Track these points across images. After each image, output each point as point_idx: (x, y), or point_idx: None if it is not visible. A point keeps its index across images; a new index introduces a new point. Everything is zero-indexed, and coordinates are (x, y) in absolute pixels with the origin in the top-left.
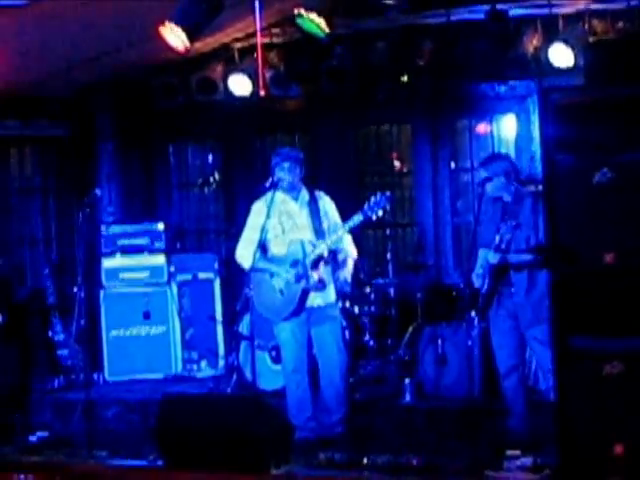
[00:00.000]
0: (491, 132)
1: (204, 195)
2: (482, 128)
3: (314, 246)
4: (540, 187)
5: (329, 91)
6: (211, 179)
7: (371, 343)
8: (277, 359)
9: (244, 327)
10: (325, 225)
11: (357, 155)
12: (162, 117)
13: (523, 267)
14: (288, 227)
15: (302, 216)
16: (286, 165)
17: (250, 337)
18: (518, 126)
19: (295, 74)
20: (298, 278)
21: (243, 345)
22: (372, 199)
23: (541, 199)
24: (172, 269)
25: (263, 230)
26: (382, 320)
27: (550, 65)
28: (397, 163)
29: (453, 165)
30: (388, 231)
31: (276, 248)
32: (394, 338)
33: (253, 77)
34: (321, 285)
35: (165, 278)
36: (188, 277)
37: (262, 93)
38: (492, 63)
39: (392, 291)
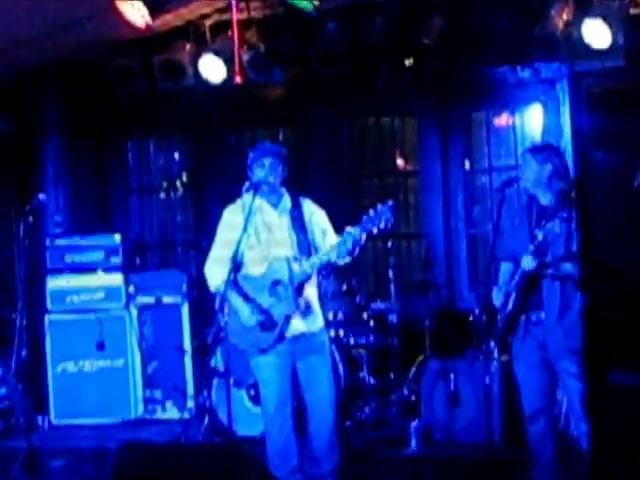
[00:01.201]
0: (513, 125)
1: (170, 201)
2: (502, 120)
3: (300, 264)
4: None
5: (319, 76)
6: (178, 182)
7: (369, 380)
8: (257, 399)
9: (218, 360)
10: (310, 237)
11: (353, 153)
12: (119, 108)
13: (561, 278)
14: (265, 240)
15: (282, 227)
16: (267, 162)
17: (225, 372)
18: (545, 118)
19: (278, 56)
20: (280, 303)
21: (216, 382)
22: (371, 211)
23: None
24: (131, 290)
25: (239, 244)
26: (382, 352)
27: (583, 44)
28: (400, 162)
29: (468, 165)
30: (390, 243)
31: (252, 265)
32: (397, 374)
33: (228, 60)
34: (307, 311)
35: (123, 301)
36: (150, 300)
37: (238, 79)
38: (514, 42)
39: (394, 317)
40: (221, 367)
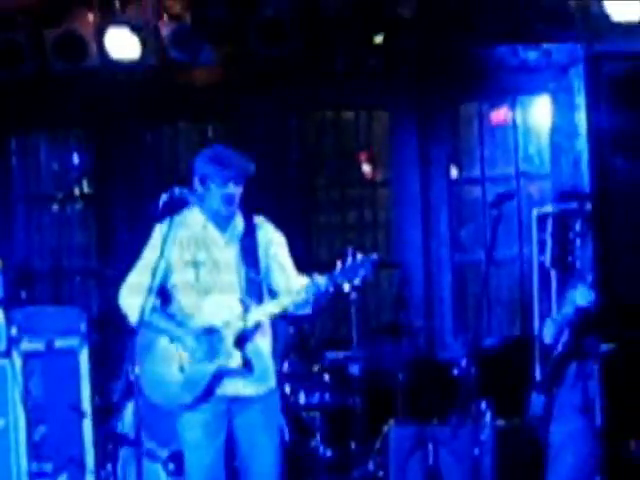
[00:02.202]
0: (513, 122)
1: (66, 216)
2: (500, 116)
3: (246, 309)
4: (588, 206)
5: (260, 57)
6: (77, 191)
7: (323, 451)
8: (178, 473)
9: (126, 424)
10: (263, 276)
11: (304, 155)
12: (0, 95)
13: None
14: (206, 271)
15: (229, 257)
16: (240, 186)
17: (136, 440)
18: (555, 113)
19: (208, 29)
20: (211, 355)
21: (124, 452)
22: (349, 261)
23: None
24: (14, 332)
25: (169, 268)
26: (341, 415)
27: (605, 19)
28: (367, 169)
29: (455, 172)
30: None
31: (185, 301)
32: (360, 443)
33: (143, 33)
34: (247, 370)
35: (3, 346)
36: (39, 345)
37: (156, 58)
38: (515, 15)
39: (356, 369)
40: (130, 433)
